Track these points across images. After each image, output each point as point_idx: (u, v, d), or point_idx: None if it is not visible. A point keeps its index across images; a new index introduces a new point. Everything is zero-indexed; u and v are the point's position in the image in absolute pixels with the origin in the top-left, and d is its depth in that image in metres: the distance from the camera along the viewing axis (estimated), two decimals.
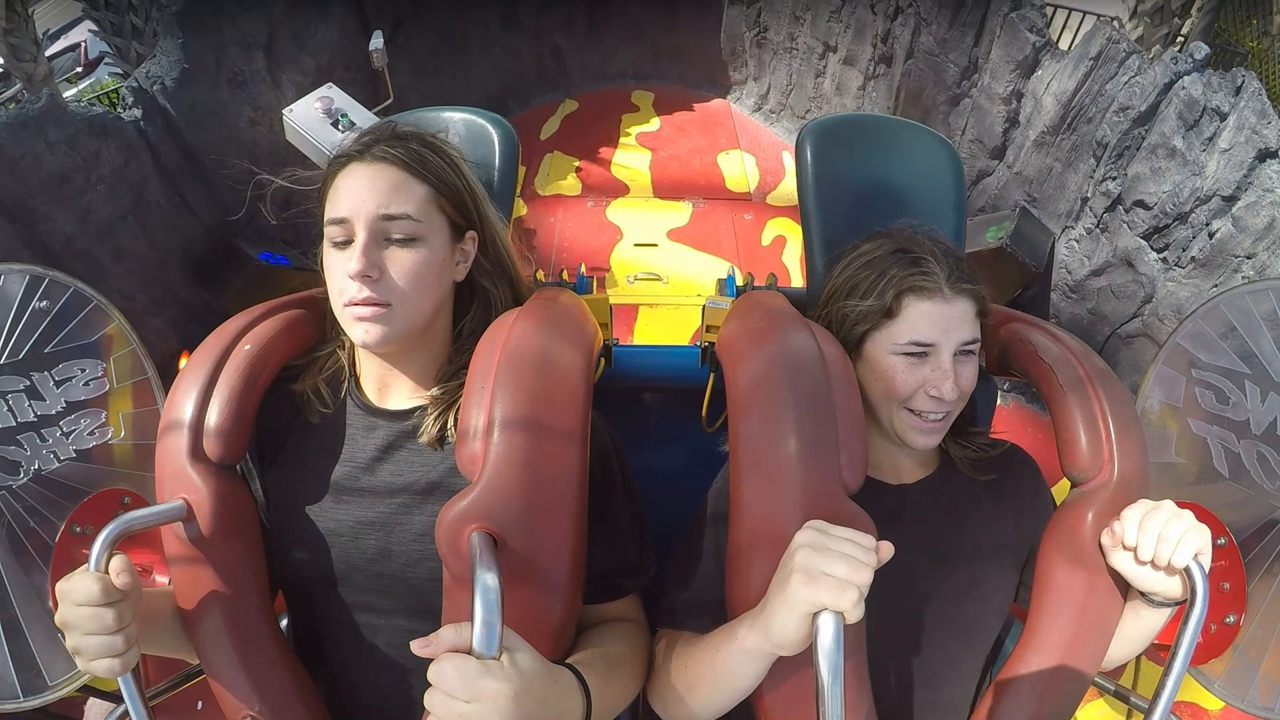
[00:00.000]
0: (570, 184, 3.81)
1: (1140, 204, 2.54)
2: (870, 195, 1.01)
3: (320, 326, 0.82)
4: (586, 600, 0.70)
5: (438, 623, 0.65)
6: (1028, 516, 0.83)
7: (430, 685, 0.50)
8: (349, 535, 0.73)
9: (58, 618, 0.62)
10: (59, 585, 0.62)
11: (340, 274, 0.71)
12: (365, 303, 0.70)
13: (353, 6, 3.43)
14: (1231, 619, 0.89)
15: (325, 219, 0.73)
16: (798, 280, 2.83)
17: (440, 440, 0.74)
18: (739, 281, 1.19)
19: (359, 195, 0.71)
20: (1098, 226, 2.75)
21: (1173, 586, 0.67)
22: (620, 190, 3.80)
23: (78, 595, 0.60)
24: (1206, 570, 0.65)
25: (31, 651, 0.87)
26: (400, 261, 0.71)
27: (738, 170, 3.93)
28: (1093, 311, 2.80)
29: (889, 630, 0.74)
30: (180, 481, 0.69)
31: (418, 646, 0.51)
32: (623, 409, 1.16)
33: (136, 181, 2.54)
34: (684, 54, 4.41)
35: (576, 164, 3.92)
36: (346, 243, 0.71)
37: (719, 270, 3.07)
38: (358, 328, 0.71)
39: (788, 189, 3.82)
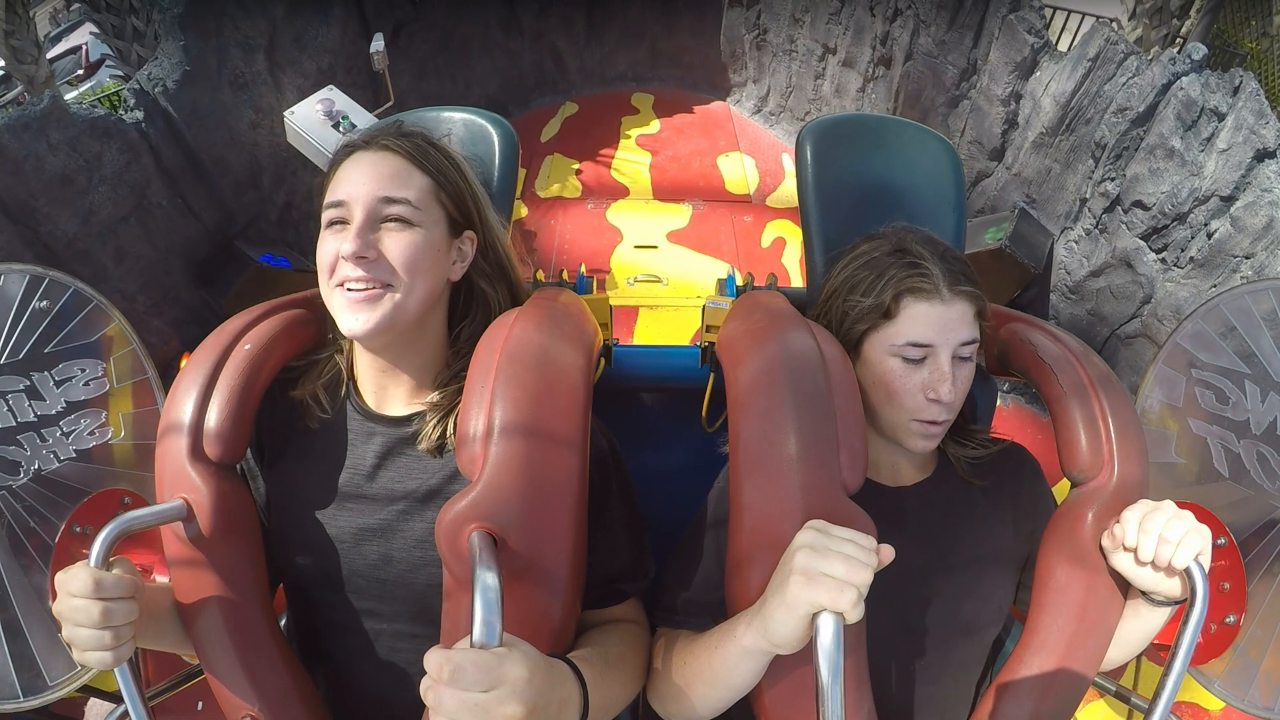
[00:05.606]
0: (570, 186, 3.82)
1: (1139, 204, 2.54)
2: (870, 195, 1.01)
3: (320, 327, 0.82)
4: (585, 606, 0.69)
5: (438, 626, 0.66)
6: (1026, 517, 0.83)
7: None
8: (350, 542, 0.73)
9: (54, 608, 0.62)
10: (58, 576, 0.62)
11: (331, 253, 0.70)
12: (359, 279, 0.68)
13: (353, 9, 3.43)
14: (1231, 619, 0.89)
15: (324, 202, 0.73)
16: (797, 282, 2.84)
17: (439, 448, 0.73)
18: (739, 281, 1.19)
19: (360, 179, 0.71)
20: (1096, 227, 2.75)
21: (1173, 586, 0.67)
22: (620, 192, 3.81)
23: (73, 586, 0.60)
24: (1207, 570, 0.65)
25: (31, 651, 0.87)
26: (395, 242, 0.70)
27: (737, 172, 3.93)
28: (1092, 312, 2.80)
29: (889, 630, 0.74)
30: (180, 481, 0.69)
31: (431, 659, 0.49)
32: (623, 409, 1.16)
33: (138, 183, 2.54)
34: (684, 56, 4.42)
35: (576, 166, 3.92)
36: (342, 224, 0.71)
37: (719, 272, 3.06)
38: (348, 315, 0.70)
39: (787, 191, 3.82)
